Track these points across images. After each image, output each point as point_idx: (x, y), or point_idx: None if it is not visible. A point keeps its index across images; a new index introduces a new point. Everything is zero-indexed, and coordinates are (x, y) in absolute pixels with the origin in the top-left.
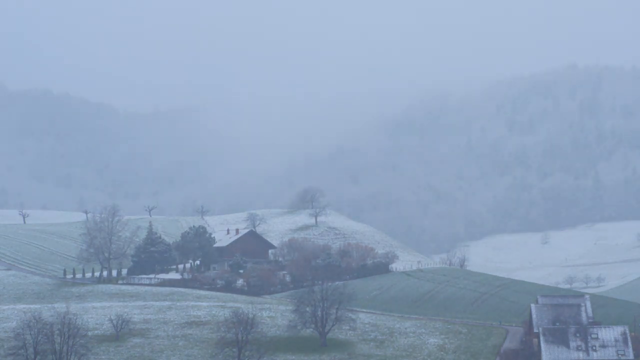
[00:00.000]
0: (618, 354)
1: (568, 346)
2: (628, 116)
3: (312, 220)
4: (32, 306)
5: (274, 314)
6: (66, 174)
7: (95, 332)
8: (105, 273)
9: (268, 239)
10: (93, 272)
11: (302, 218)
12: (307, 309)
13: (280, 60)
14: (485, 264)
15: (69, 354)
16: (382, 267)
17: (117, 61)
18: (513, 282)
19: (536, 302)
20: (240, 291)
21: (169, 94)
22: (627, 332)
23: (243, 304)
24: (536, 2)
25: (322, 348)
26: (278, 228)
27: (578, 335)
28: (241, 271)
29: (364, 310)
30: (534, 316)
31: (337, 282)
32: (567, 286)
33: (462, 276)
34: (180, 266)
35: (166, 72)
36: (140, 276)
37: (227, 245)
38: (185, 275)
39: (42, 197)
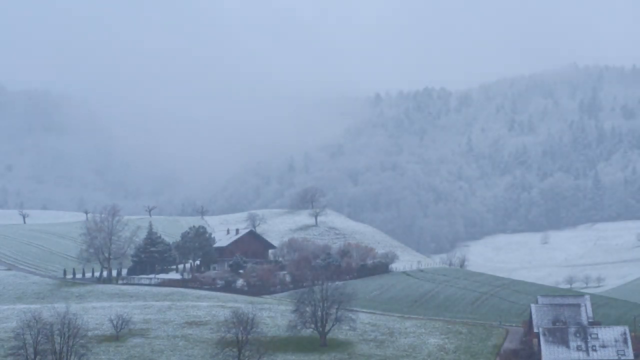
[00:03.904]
0: (618, 354)
1: (568, 346)
2: (628, 116)
3: (312, 220)
4: (32, 306)
5: (274, 314)
6: (66, 174)
7: (95, 332)
8: (105, 273)
9: (268, 239)
10: (93, 272)
11: (302, 218)
12: (307, 309)
13: (278, 60)
14: (485, 264)
15: (69, 354)
16: (382, 267)
17: (117, 61)
18: (513, 282)
19: (536, 302)
20: (240, 291)
21: (168, 94)
22: (627, 332)
23: (243, 304)
24: (536, 2)
25: (322, 348)
26: (278, 228)
27: (578, 335)
28: (241, 271)
29: (364, 310)
30: (534, 316)
31: (337, 282)
32: (567, 286)
33: (462, 276)
34: (180, 266)
35: (165, 72)
36: (140, 276)
37: (227, 245)
38: (185, 275)
39: (42, 197)
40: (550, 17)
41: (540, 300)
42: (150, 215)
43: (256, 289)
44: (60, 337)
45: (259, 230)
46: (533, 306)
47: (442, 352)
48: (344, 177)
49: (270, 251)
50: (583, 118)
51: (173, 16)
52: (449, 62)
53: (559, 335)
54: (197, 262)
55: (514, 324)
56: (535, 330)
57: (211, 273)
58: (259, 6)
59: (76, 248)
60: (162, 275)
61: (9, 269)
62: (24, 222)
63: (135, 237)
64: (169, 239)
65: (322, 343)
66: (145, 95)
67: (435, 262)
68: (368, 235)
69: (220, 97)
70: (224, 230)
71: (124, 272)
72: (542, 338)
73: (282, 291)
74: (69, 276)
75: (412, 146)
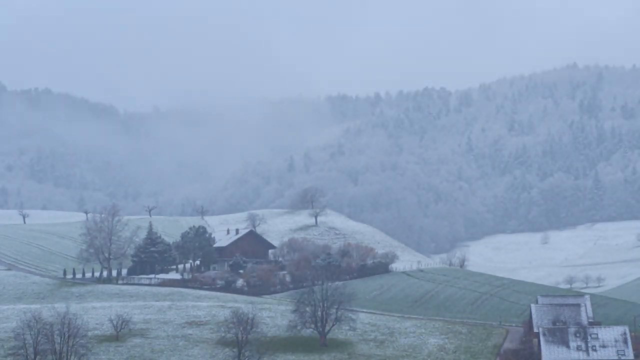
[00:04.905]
0: (618, 354)
1: (568, 346)
2: (628, 116)
3: (312, 220)
4: (32, 306)
5: (274, 314)
6: (66, 174)
7: (95, 332)
8: (105, 273)
9: (268, 239)
10: (93, 272)
11: (302, 218)
12: (307, 309)
13: (277, 61)
14: (485, 264)
15: (69, 354)
16: (382, 267)
17: (117, 61)
18: (513, 282)
19: (536, 302)
20: (240, 291)
21: (168, 94)
22: (627, 332)
23: (243, 304)
24: (536, 2)
25: (322, 348)
26: (278, 228)
27: (578, 335)
28: (241, 271)
29: (364, 310)
30: (534, 316)
31: (337, 282)
32: (567, 286)
33: (462, 276)
34: (180, 266)
35: (165, 72)
36: (140, 276)
37: (227, 245)
38: (185, 275)
39: (42, 197)
40: (550, 17)
41: (540, 300)
42: (150, 215)
43: (256, 289)
44: (60, 337)
45: (259, 230)
46: (533, 306)
47: (442, 352)
48: (344, 177)
49: (270, 251)
50: (583, 118)
51: (173, 16)
52: (449, 62)
53: (559, 335)
54: (197, 262)
55: (514, 324)
56: (535, 330)
57: (211, 273)
58: (257, 7)
59: (76, 248)
60: (162, 275)
61: (9, 269)
62: (24, 222)
63: (135, 237)
64: (169, 239)
65: (322, 343)
66: (145, 94)
67: (435, 262)
68: (368, 235)
69: (220, 97)
70: (224, 230)
71: (124, 272)
72: (542, 338)
73: (282, 291)
74: (69, 276)
75: (412, 146)
